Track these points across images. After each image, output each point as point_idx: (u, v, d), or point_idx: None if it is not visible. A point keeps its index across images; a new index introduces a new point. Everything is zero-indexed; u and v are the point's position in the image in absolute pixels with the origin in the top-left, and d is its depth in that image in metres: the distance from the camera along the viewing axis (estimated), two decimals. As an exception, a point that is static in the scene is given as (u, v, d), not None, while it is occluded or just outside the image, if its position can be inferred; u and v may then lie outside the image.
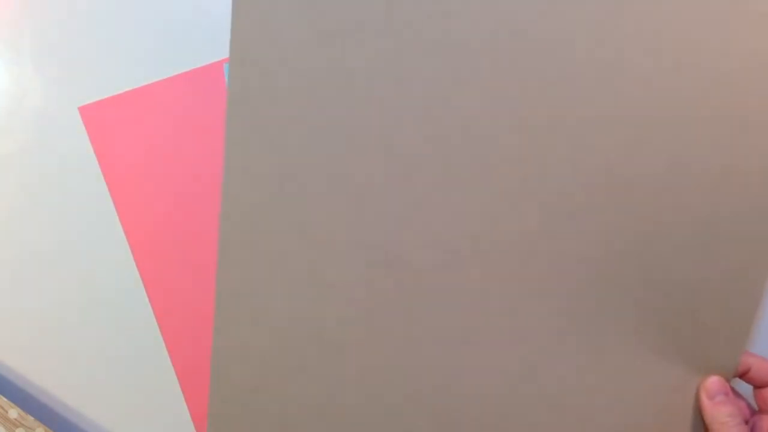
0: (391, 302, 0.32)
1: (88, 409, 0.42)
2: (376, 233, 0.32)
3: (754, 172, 0.31)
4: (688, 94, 0.31)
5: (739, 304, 0.32)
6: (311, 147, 0.31)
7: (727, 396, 0.32)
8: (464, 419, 0.33)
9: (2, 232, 0.42)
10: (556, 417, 0.33)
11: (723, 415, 0.31)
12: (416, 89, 0.31)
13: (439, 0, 0.30)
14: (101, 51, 0.41)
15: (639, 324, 0.33)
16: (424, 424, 0.33)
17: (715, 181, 0.31)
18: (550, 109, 0.31)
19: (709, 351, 0.33)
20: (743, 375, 0.33)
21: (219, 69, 0.40)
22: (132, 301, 0.41)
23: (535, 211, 0.32)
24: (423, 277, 0.32)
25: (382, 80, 0.31)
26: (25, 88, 0.41)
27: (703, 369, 0.33)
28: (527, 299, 0.32)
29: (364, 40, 0.30)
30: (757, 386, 0.34)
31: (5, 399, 0.40)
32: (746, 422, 0.32)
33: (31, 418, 0.40)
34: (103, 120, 0.41)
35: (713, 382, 0.32)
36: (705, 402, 0.32)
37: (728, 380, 0.33)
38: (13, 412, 0.40)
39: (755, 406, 0.34)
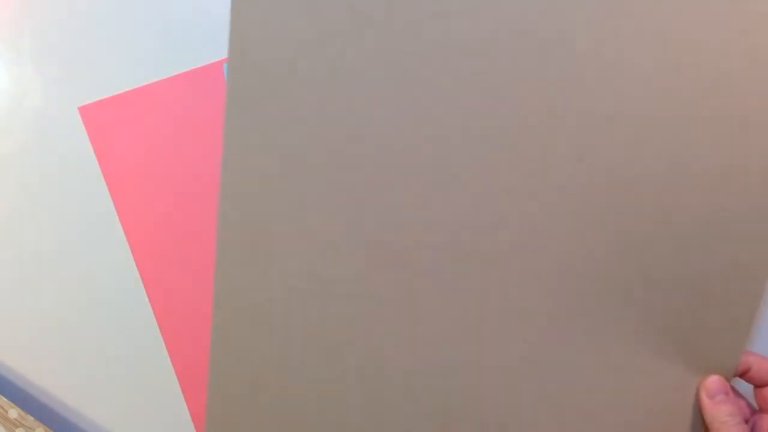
0: (391, 301, 0.32)
1: (88, 409, 0.42)
2: (375, 233, 0.32)
3: (754, 172, 0.31)
4: (688, 94, 0.31)
5: (739, 304, 0.32)
6: (310, 147, 0.31)
7: (728, 395, 0.32)
8: (464, 418, 0.33)
9: (2, 232, 0.42)
10: (555, 416, 0.33)
11: (723, 414, 0.31)
12: (416, 89, 0.31)
13: (438, 0, 0.30)
14: (101, 51, 0.41)
15: (639, 323, 0.33)
16: (424, 424, 0.33)
17: (715, 181, 0.31)
18: (550, 109, 0.31)
19: (709, 350, 0.33)
20: (743, 374, 0.33)
21: (219, 69, 0.40)
22: (132, 301, 0.41)
23: (536, 211, 0.32)
24: (422, 276, 0.32)
25: (381, 80, 0.31)
26: (25, 88, 0.41)
27: (704, 368, 0.33)
28: (527, 298, 0.32)
29: (364, 40, 0.30)
30: (758, 385, 0.34)
31: (5, 399, 0.40)
32: (746, 421, 0.33)
33: (31, 418, 0.40)
34: (103, 120, 0.41)
35: (713, 381, 0.32)
36: (705, 401, 0.32)
37: (728, 379, 0.33)
38: (13, 412, 0.40)
39: (755, 405, 0.34)
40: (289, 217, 0.32)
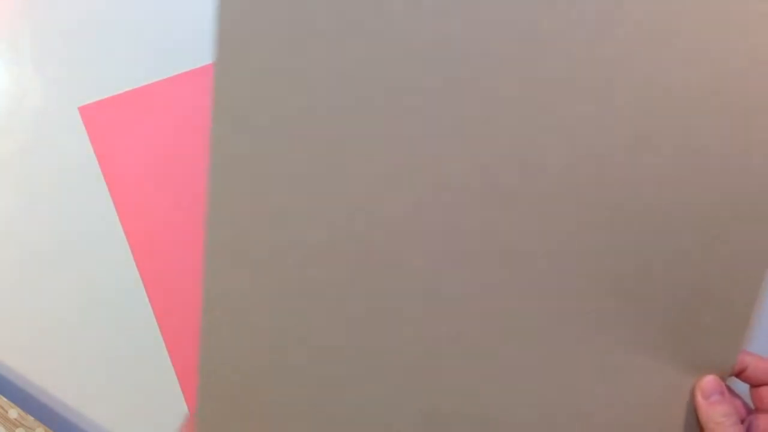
0: (381, 304, 0.32)
1: (88, 409, 0.42)
2: (367, 236, 0.32)
3: (754, 171, 0.31)
4: (688, 95, 0.31)
5: (736, 303, 0.32)
6: (297, 149, 0.31)
7: (723, 395, 0.32)
8: (457, 419, 0.33)
9: (2, 232, 0.41)
10: (551, 415, 0.34)
11: (718, 414, 0.31)
12: (405, 90, 0.31)
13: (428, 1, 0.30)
14: (101, 51, 0.41)
15: (635, 323, 0.33)
16: (416, 425, 0.33)
17: (714, 181, 0.31)
18: (549, 109, 0.31)
19: (705, 350, 0.33)
20: (739, 374, 0.33)
21: (219, 70, 0.40)
22: (132, 301, 0.41)
23: (534, 212, 0.32)
24: (413, 278, 0.32)
25: (373, 81, 0.31)
26: (25, 88, 0.41)
27: (699, 368, 0.33)
28: (524, 299, 0.32)
29: (355, 40, 0.30)
30: (754, 385, 0.34)
31: (5, 399, 0.40)
32: (742, 421, 0.33)
33: (31, 418, 0.40)
34: (103, 120, 0.41)
35: (708, 381, 0.32)
36: (700, 401, 0.32)
37: (724, 379, 0.33)
38: (13, 412, 0.40)
39: (751, 405, 0.34)
40: (276, 220, 0.32)
